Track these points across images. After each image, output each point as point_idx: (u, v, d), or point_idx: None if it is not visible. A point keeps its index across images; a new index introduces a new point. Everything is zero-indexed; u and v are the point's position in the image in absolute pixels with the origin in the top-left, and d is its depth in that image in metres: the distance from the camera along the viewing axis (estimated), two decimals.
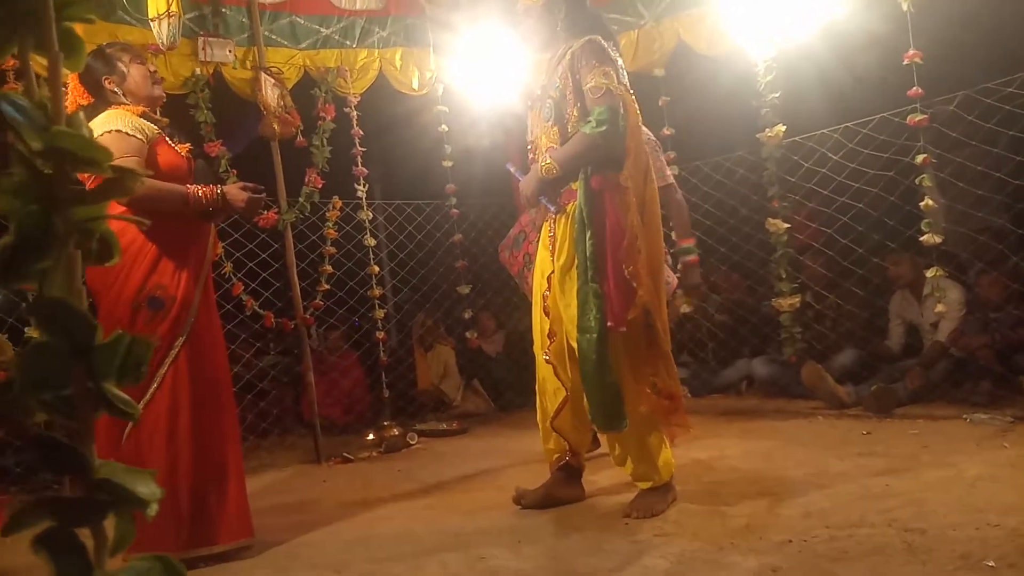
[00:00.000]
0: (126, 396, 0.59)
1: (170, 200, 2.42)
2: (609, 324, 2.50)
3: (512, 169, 3.03)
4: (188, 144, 2.73)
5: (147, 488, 0.56)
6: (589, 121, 2.51)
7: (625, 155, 2.54)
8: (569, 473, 2.87)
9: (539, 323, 2.84)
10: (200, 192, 2.50)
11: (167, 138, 2.60)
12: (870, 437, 3.43)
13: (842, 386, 4.04)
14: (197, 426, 2.48)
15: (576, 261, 2.59)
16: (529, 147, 2.84)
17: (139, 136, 2.44)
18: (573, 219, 2.61)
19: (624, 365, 2.58)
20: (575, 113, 2.58)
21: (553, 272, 2.72)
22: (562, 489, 2.85)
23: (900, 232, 4.11)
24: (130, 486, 0.55)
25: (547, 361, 2.79)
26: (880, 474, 2.75)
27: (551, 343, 2.77)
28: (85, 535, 0.59)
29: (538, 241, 2.95)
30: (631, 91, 2.64)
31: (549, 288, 2.76)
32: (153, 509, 0.56)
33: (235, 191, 2.55)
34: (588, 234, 2.54)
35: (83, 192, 0.57)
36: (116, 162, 2.07)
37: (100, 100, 2.55)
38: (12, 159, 0.55)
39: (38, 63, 0.65)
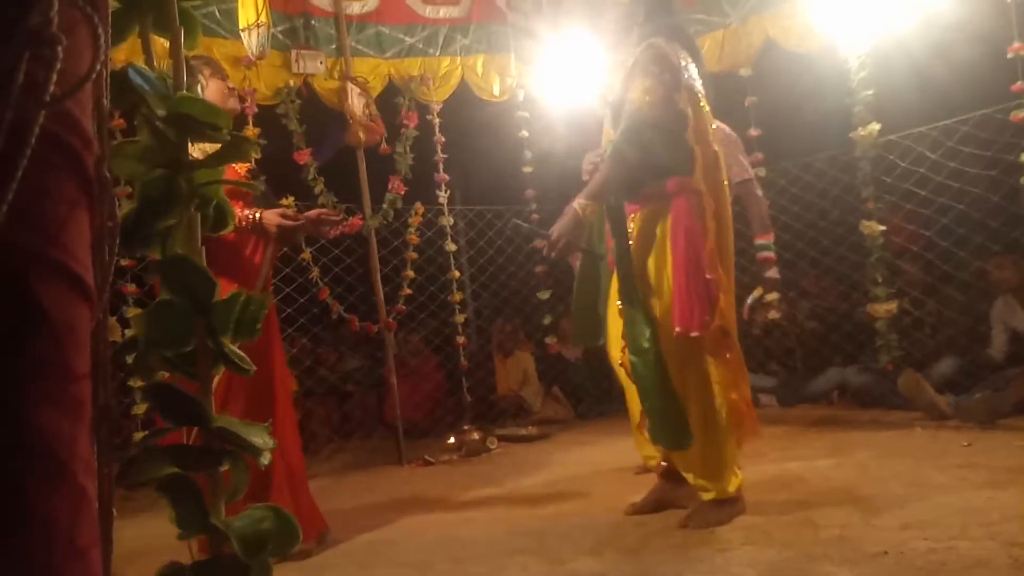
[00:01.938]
0: (241, 352, 0.61)
1: None
2: (677, 330, 2.46)
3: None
4: (248, 164, 2.84)
5: (261, 438, 0.58)
6: (615, 139, 2.52)
7: (692, 159, 2.50)
8: (675, 477, 2.77)
9: (615, 325, 2.81)
10: (236, 215, 2.58)
11: None
12: (971, 449, 3.26)
13: (942, 396, 3.85)
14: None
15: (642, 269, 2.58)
16: (601, 157, 2.84)
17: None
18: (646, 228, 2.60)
19: (698, 375, 2.54)
20: None
21: None
22: (671, 493, 2.78)
23: (1004, 234, 3.91)
24: (245, 435, 0.57)
25: (621, 365, 2.75)
26: (982, 487, 2.61)
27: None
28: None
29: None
30: (700, 94, 2.59)
31: None
32: (266, 457, 0.59)
33: (271, 215, 2.65)
34: (651, 249, 2.54)
35: (203, 157, 0.60)
36: None
37: None
38: (138, 126, 0.59)
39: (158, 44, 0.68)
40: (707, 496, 2.57)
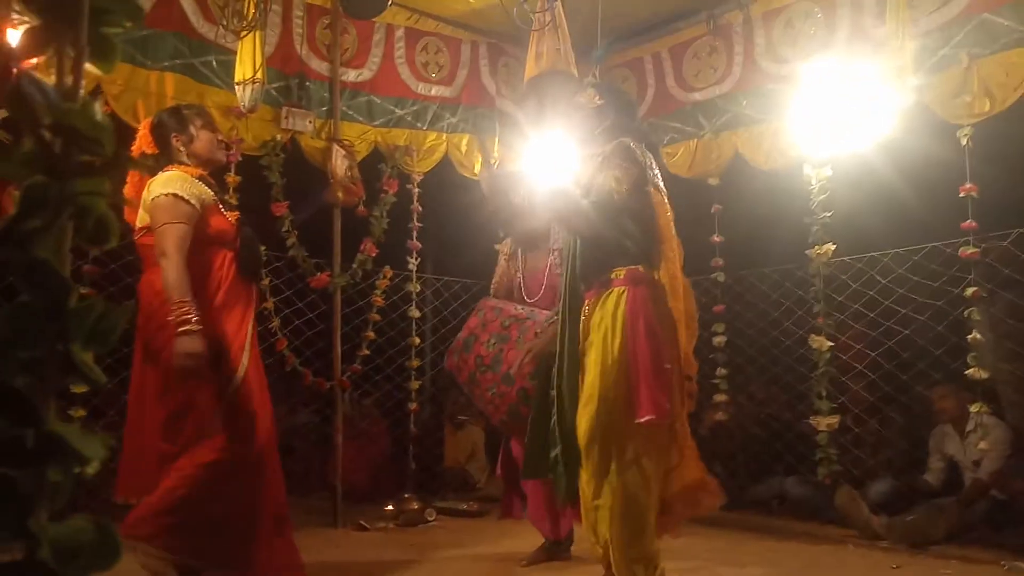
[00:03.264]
0: (91, 362, 0.63)
1: (178, 292, 2.43)
2: (645, 418, 2.48)
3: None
4: (237, 212, 2.89)
5: (92, 449, 0.59)
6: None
7: (658, 253, 2.63)
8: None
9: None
10: (176, 311, 2.43)
11: (219, 204, 2.74)
12: (899, 572, 3.26)
13: (876, 516, 3.86)
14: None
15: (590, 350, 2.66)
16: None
17: (194, 203, 2.59)
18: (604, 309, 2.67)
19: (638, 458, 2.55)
20: None
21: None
22: None
23: (945, 364, 3.99)
24: (76, 444, 0.58)
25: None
26: None
27: None
28: None
29: (488, 343, 3.37)
30: (664, 192, 2.72)
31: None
32: (93, 468, 0.60)
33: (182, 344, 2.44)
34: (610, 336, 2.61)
35: (86, 167, 0.64)
36: (168, 225, 2.17)
37: (164, 154, 2.73)
38: (24, 132, 0.63)
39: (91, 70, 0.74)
40: None
